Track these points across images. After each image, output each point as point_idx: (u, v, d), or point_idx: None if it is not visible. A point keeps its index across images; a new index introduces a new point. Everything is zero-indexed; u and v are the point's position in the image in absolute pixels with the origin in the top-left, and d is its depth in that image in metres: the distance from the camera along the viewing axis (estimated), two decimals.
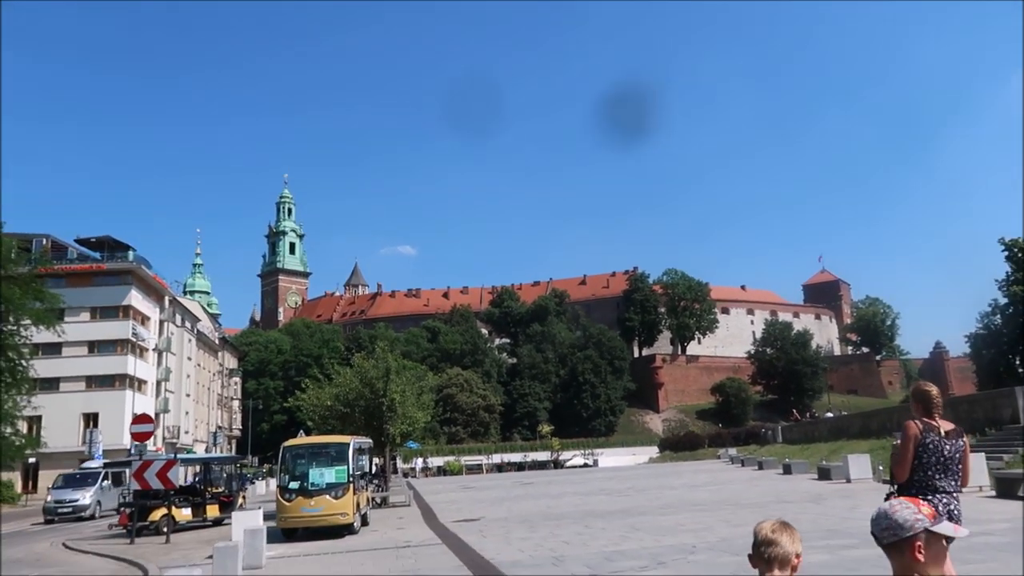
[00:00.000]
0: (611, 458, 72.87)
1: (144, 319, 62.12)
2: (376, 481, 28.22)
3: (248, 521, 13.41)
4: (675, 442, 75.94)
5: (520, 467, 69.87)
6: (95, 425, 53.96)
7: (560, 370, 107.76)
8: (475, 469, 67.05)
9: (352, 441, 17.21)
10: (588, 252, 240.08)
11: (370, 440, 20.90)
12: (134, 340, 58.45)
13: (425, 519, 19.51)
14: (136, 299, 59.68)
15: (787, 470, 28.92)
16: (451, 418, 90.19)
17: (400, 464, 63.60)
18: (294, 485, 16.39)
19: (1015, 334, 45.81)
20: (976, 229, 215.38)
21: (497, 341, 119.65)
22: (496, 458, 76.16)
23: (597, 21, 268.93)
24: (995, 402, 23.32)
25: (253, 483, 41.37)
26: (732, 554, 10.38)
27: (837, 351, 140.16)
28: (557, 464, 70.96)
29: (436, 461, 69.67)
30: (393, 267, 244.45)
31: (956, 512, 5.18)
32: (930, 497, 5.10)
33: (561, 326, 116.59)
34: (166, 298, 68.16)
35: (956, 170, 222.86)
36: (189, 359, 74.28)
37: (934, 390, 5.47)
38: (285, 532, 16.38)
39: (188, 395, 72.67)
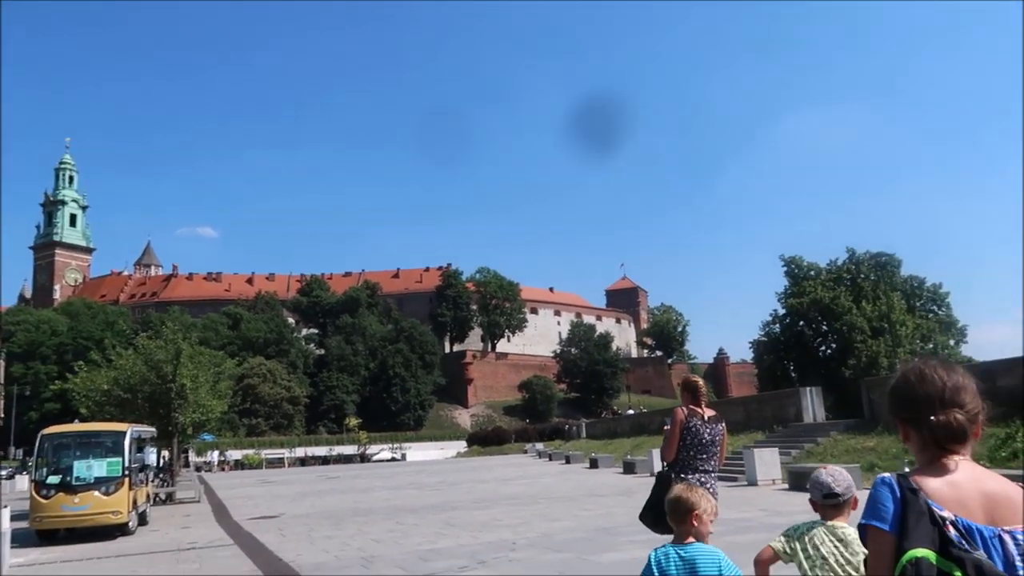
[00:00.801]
0: (419, 452, 72.30)
1: None
2: (161, 475, 25.57)
3: None
4: (483, 437, 76.62)
5: (325, 461, 67.52)
6: None
7: (370, 363, 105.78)
8: (277, 463, 63.82)
9: (130, 429, 15.01)
10: (402, 246, 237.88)
11: (154, 430, 18.54)
12: None
13: (216, 517, 17.57)
14: None
15: (594, 464, 29.58)
16: (252, 409, 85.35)
17: (193, 457, 59.05)
18: (53, 480, 13.98)
19: (791, 341, 50.59)
20: (753, 246, 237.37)
21: (304, 331, 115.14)
22: (300, 451, 73.12)
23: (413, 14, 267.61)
24: (781, 402, 25.19)
25: (12, 478, 36.35)
26: (554, 550, 9.91)
27: (634, 353, 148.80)
28: (364, 458, 69.32)
29: (234, 454, 65.42)
30: (192, 249, 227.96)
31: (712, 489, 5.59)
32: (690, 476, 5.62)
33: (372, 318, 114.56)
34: None
35: (736, 197, 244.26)
36: None
37: (700, 382, 6.13)
38: (41, 534, 13.95)
39: None
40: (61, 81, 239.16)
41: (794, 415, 23.35)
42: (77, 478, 13.92)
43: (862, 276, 51.86)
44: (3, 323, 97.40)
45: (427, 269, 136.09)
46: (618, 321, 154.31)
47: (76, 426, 18.33)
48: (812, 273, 53.55)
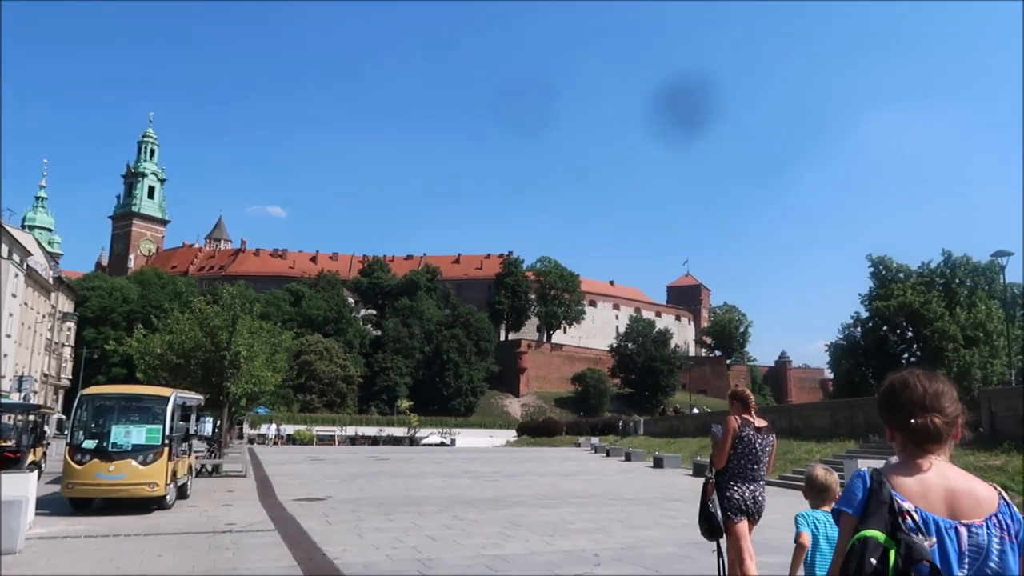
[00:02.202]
0: (469, 438, 71.20)
1: None
2: (211, 446, 24.74)
3: (12, 487, 10.01)
4: (533, 427, 75.35)
5: (375, 441, 67.02)
6: None
7: (425, 347, 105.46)
8: (327, 440, 63.40)
9: (173, 395, 13.81)
10: (465, 231, 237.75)
11: (201, 398, 17.46)
12: None
13: (261, 495, 16.39)
14: None
15: (658, 463, 27.75)
16: (306, 385, 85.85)
17: (247, 429, 59.10)
18: (89, 444, 12.87)
19: (872, 347, 47.54)
20: (822, 249, 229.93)
21: (363, 311, 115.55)
22: (351, 430, 72.83)
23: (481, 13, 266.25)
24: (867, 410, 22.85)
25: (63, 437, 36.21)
26: (647, 568, 8.24)
27: (692, 352, 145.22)
28: (413, 441, 68.59)
29: (287, 429, 65.34)
30: (261, 226, 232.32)
31: (760, 498, 5.89)
32: (739, 484, 5.80)
33: (430, 302, 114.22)
34: None
35: (808, 198, 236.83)
36: (14, 296, 65.96)
37: (749, 392, 6.28)
38: (75, 502, 12.94)
39: (9, 336, 64.54)
40: (147, 51, 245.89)
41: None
42: (114, 444, 12.76)
43: (957, 281, 48.42)
44: (78, 288, 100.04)
45: (488, 256, 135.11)
46: (678, 318, 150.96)
47: (118, 388, 17.41)
48: (901, 276, 50.24)
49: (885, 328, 48.08)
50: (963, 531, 1.91)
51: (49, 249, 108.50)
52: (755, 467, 5.88)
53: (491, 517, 12.71)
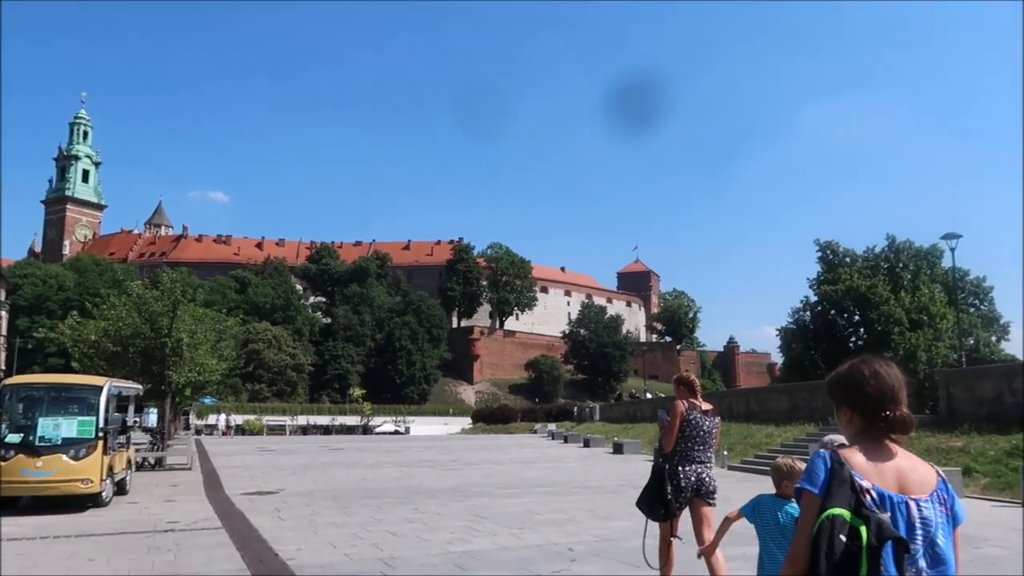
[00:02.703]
0: (423, 426, 70.46)
1: None
2: (154, 438, 23.58)
3: None
4: (488, 414, 75.05)
5: (327, 430, 65.79)
6: None
7: (376, 334, 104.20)
8: (278, 430, 61.93)
9: (108, 383, 12.79)
10: (414, 218, 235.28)
11: (139, 387, 16.40)
12: None
13: (207, 489, 15.50)
14: None
15: (618, 449, 27.50)
16: (255, 375, 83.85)
17: (194, 420, 57.24)
18: (13, 439, 11.81)
19: (822, 331, 48.12)
20: (768, 236, 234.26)
21: (312, 299, 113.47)
22: (302, 419, 71.37)
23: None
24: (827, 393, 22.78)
25: None
26: (626, 563, 7.70)
27: (643, 338, 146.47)
28: (367, 430, 67.57)
29: (236, 419, 63.55)
30: (203, 212, 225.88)
31: (708, 478, 6.03)
32: (688, 467, 5.94)
33: (381, 289, 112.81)
34: None
35: (754, 187, 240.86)
36: None
37: (694, 377, 6.41)
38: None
39: None
40: (79, 34, 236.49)
41: None
42: (41, 438, 11.70)
43: (901, 265, 49.29)
44: (9, 275, 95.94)
45: (438, 242, 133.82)
46: (629, 304, 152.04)
47: (46, 377, 16.26)
48: (848, 260, 50.95)
49: (833, 312, 48.71)
50: (912, 506, 2.11)
51: None
52: (702, 448, 6.05)
53: (454, 509, 12.10)
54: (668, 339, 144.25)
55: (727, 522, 4.27)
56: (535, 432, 50.67)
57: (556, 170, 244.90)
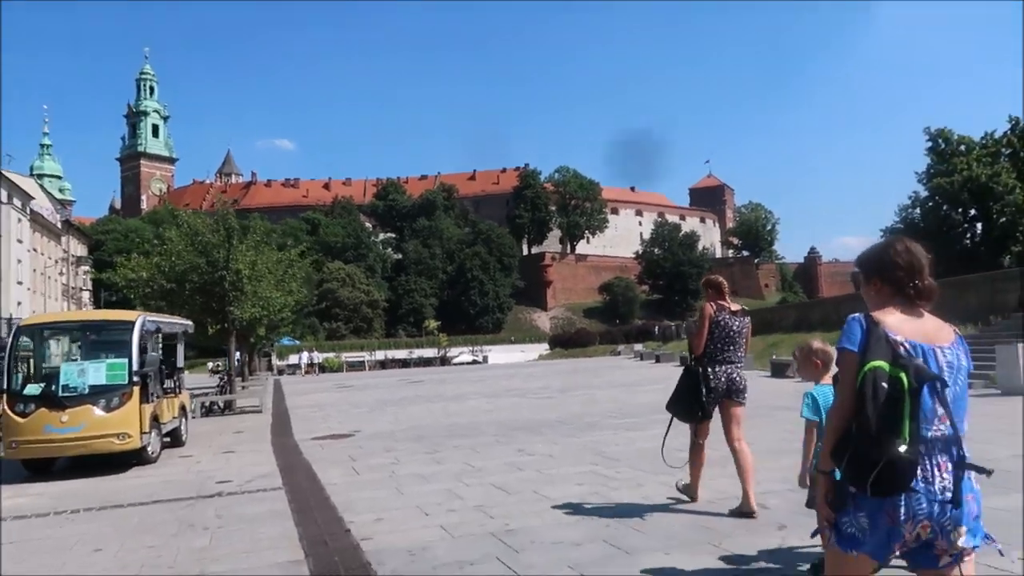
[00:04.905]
0: (501, 355, 68.98)
1: None
2: (222, 381, 22.03)
3: None
4: (565, 339, 73.34)
5: (405, 364, 65.03)
6: None
7: (447, 266, 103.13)
8: (357, 366, 61.32)
9: (140, 318, 10.51)
10: (479, 147, 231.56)
11: (187, 323, 14.40)
12: None
13: (274, 434, 13.55)
14: None
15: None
16: (331, 313, 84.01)
17: (275, 360, 56.97)
18: (33, 390, 9.77)
19: (933, 228, 43.50)
20: (854, 135, 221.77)
21: (382, 236, 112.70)
22: (380, 355, 70.91)
23: None
24: (997, 286, 19.83)
25: None
26: None
27: (719, 254, 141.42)
28: (444, 361, 66.56)
29: (317, 357, 63.21)
30: (270, 160, 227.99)
31: (738, 378, 6.02)
32: (718, 368, 5.94)
33: (449, 221, 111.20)
34: None
35: (836, 84, 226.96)
36: (20, 242, 63.50)
37: (722, 279, 6.31)
38: (29, 465, 10.07)
39: (20, 283, 62.39)
40: None
41: (1017, 302, 17.71)
42: (65, 387, 9.61)
43: None
44: (92, 233, 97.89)
45: (504, 170, 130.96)
46: (703, 221, 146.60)
47: (66, 315, 14.49)
48: (963, 148, 45.60)
49: (947, 207, 43.90)
50: (939, 352, 2.40)
51: (60, 196, 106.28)
52: (732, 349, 6.02)
53: (569, 448, 9.68)
54: (745, 254, 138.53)
55: (810, 438, 4.13)
56: (619, 354, 48.46)
57: (619, 88, 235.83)
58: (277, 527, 6.16)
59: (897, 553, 2.38)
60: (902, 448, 2.20)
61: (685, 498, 6.26)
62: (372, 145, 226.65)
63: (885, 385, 2.23)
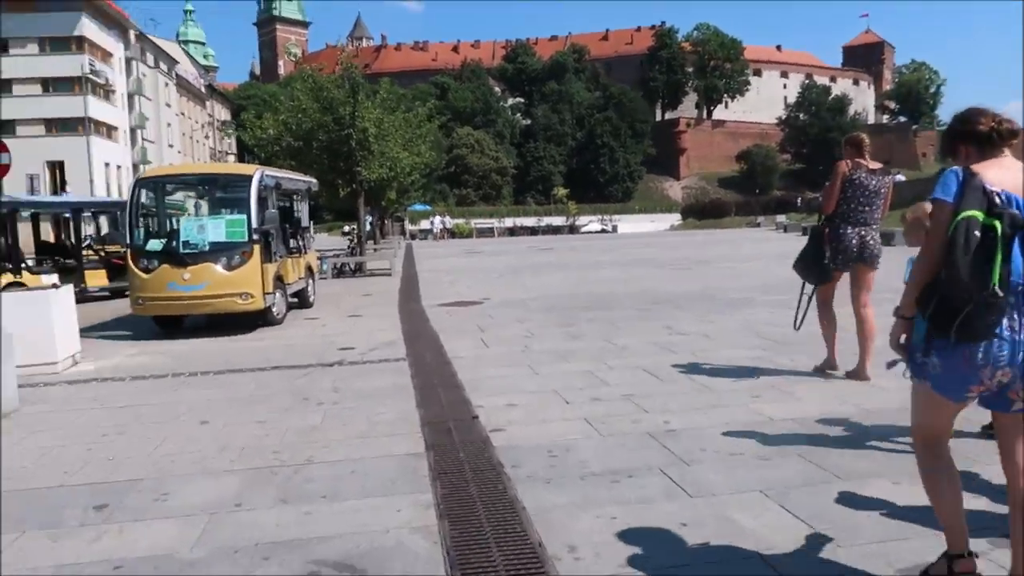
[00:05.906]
0: (630, 224, 67.21)
1: (105, 55, 53.14)
2: (352, 243, 21.95)
3: (28, 307, 6.83)
4: (699, 209, 70.59)
5: (534, 231, 64.64)
6: (62, 174, 47.49)
7: (577, 132, 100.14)
8: (486, 232, 61.44)
9: (258, 172, 9.89)
10: (611, 4, 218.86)
11: (310, 180, 13.84)
12: (93, 78, 50.17)
13: (402, 298, 13.12)
14: (90, 30, 50.54)
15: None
16: (461, 179, 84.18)
17: (408, 225, 57.77)
18: (155, 246, 9.58)
19: None
20: None
21: (510, 100, 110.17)
22: (508, 221, 70.65)
23: None
24: None
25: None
26: None
27: (872, 119, 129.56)
28: (573, 229, 65.59)
29: (449, 221, 63.77)
30: (399, 23, 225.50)
31: (872, 241, 5.80)
32: (849, 229, 5.73)
33: (579, 85, 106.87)
34: (131, 33, 58.41)
35: None
36: (168, 106, 66.30)
37: (863, 135, 6.04)
38: (160, 321, 10.05)
39: (171, 146, 65.56)
40: None
41: None
42: (186, 243, 9.34)
43: None
44: (234, 98, 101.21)
45: (638, 29, 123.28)
46: (856, 83, 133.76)
47: (185, 167, 14.23)
48: None
49: None
50: None
51: (204, 63, 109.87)
52: (867, 209, 5.76)
53: (724, 328, 8.48)
54: (903, 119, 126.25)
55: None
56: (758, 226, 45.81)
57: None
58: (397, 407, 5.45)
59: (974, 394, 2.39)
60: (993, 294, 2.20)
61: (837, 374, 6.00)
62: (501, 5, 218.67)
63: (978, 233, 2.25)
